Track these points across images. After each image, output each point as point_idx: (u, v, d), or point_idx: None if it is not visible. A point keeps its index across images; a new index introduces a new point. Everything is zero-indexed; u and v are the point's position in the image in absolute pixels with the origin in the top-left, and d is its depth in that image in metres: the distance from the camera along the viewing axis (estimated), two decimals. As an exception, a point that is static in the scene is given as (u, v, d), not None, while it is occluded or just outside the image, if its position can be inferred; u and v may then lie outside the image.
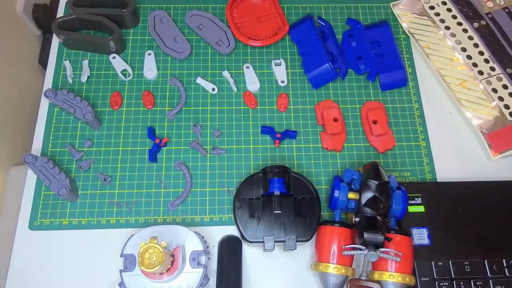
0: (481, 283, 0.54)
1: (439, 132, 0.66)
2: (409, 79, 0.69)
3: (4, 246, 0.60)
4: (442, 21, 0.69)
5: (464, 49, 0.67)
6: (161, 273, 0.50)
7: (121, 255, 0.53)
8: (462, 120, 0.66)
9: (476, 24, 0.68)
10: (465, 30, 0.68)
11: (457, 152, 0.64)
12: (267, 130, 0.64)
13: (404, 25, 0.71)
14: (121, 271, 0.52)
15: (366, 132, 0.65)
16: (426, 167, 0.63)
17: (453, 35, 0.68)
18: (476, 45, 0.67)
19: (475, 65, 0.66)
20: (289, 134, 0.63)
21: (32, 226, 0.59)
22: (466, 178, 0.61)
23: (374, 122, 0.64)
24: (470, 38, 0.67)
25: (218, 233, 0.59)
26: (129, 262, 0.53)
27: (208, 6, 0.73)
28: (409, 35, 0.71)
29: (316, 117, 0.66)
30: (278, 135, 0.63)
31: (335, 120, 0.64)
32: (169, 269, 0.50)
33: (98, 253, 0.58)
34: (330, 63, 0.66)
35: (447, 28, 0.68)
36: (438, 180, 0.62)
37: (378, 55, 0.69)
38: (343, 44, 0.71)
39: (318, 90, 0.68)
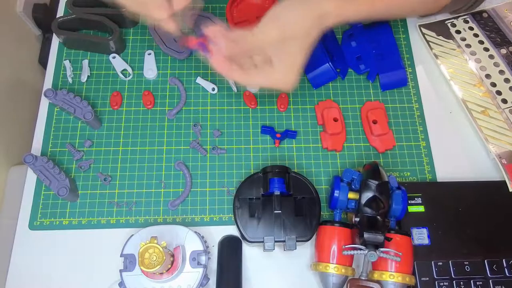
0: (481, 283, 0.54)
1: (439, 132, 0.66)
2: (409, 79, 0.69)
3: (4, 246, 0.60)
4: (468, 46, 0.67)
5: (488, 76, 0.65)
6: (161, 273, 0.50)
7: (121, 255, 0.53)
8: (462, 120, 0.66)
9: (503, 51, 0.66)
10: (491, 56, 0.66)
11: (457, 152, 0.64)
12: (267, 130, 0.64)
13: (430, 46, 0.69)
14: (121, 271, 0.52)
15: (366, 132, 0.65)
16: (426, 167, 0.63)
17: (479, 60, 0.66)
18: (502, 72, 0.65)
19: (499, 93, 0.64)
20: (289, 134, 0.63)
21: (32, 226, 0.59)
22: (466, 178, 0.61)
23: (374, 122, 0.64)
24: (496, 64, 0.65)
25: (218, 233, 0.59)
26: (129, 262, 0.53)
27: (208, 6, 0.73)
28: (433, 57, 0.69)
29: (316, 117, 0.66)
30: (278, 135, 0.63)
31: (335, 120, 0.64)
32: (169, 269, 0.50)
33: (98, 253, 0.58)
34: (330, 63, 0.65)
35: (473, 53, 0.67)
36: (438, 180, 0.62)
37: (378, 55, 0.69)
38: (343, 44, 0.70)
39: (318, 90, 0.68)
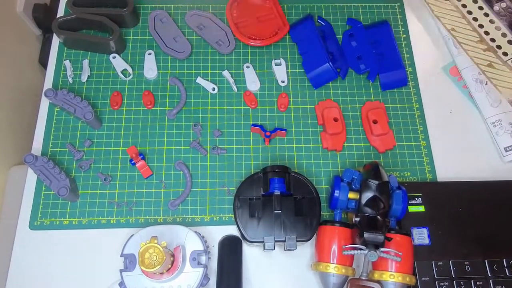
0: (481, 283, 0.54)
1: (439, 132, 0.66)
2: (409, 79, 0.69)
3: (4, 246, 0.60)
4: (464, 6, 0.70)
5: (487, 33, 0.68)
6: (161, 273, 0.50)
7: (121, 255, 0.53)
8: (462, 121, 0.66)
9: (496, 8, 0.69)
10: (486, 14, 0.69)
11: (457, 152, 0.64)
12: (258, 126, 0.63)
13: (431, 8, 0.72)
14: (121, 271, 0.52)
15: (366, 132, 0.65)
16: (426, 167, 0.63)
17: (475, 19, 0.69)
18: (498, 28, 0.68)
19: (499, 47, 0.67)
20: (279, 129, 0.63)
21: (32, 226, 0.59)
22: (466, 178, 0.62)
23: (375, 122, 0.64)
24: (492, 21, 0.69)
25: (218, 233, 0.59)
26: (129, 262, 0.53)
27: (208, 6, 0.73)
28: (435, 18, 0.71)
29: (316, 117, 0.66)
30: (267, 133, 0.63)
31: (335, 120, 0.64)
32: (169, 269, 0.50)
33: (98, 253, 0.58)
34: (330, 63, 0.66)
35: (469, 12, 0.70)
36: (438, 180, 0.62)
37: (378, 55, 0.69)
38: (343, 44, 0.70)
39: (318, 90, 0.68)
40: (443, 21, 0.70)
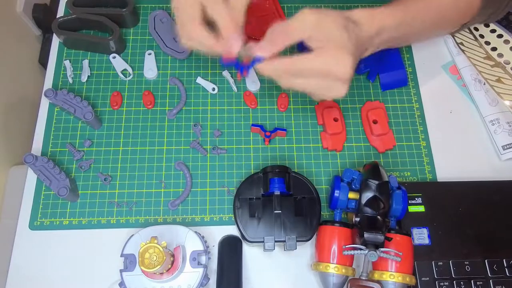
0: (481, 283, 0.54)
1: (439, 132, 0.66)
2: (409, 79, 0.69)
3: (4, 246, 0.60)
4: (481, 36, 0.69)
5: (495, 48, 0.68)
6: (161, 273, 0.50)
7: (121, 255, 0.53)
8: (462, 120, 0.66)
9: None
10: (506, 42, 0.68)
11: (457, 152, 0.64)
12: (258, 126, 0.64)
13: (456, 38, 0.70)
14: (121, 271, 0.52)
15: (366, 132, 0.65)
16: (426, 167, 0.63)
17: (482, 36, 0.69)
18: (507, 42, 0.68)
19: (507, 62, 0.67)
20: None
21: (32, 226, 0.59)
22: (466, 178, 0.61)
23: (375, 122, 0.64)
24: (500, 36, 0.68)
25: (218, 233, 0.59)
26: (129, 262, 0.53)
27: (208, 6, 0.73)
28: (459, 46, 0.69)
29: (316, 117, 0.66)
30: (267, 133, 0.63)
31: (335, 120, 0.64)
32: (169, 269, 0.50)
33: (98, 253, 0.58)
34: (330, 63, 0.65)
35: (476, 29, 0.69)
36: (438, 180, 0.62)
37: (378, 55, 0.68)
38: (343, 44, 0.70)
39: (318, 90, 0.68)
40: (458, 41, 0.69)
